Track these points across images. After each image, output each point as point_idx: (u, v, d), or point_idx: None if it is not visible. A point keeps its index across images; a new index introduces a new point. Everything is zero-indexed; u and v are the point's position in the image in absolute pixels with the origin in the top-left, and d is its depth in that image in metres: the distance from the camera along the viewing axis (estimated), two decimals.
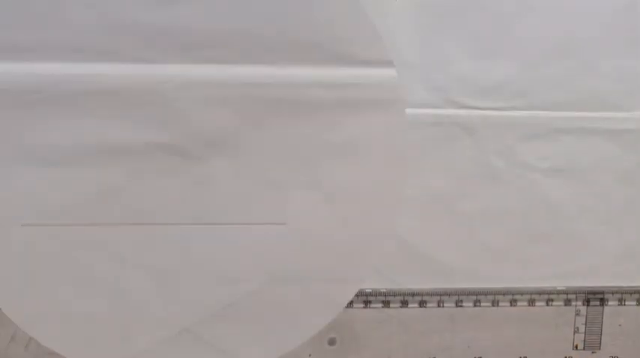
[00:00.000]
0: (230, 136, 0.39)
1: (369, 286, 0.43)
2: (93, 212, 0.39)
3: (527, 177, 0.43)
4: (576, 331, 0.45)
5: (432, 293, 0.44)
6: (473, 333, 0.44)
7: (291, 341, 0.42)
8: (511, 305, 0.44)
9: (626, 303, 0.45)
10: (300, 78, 0.39)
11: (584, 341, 0.45)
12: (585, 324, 0.45)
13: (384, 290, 0.43)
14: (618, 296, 0.45)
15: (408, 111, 0.40)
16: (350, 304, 0.43)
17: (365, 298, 0.43)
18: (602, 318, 0.45)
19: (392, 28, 0.40)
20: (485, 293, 0.44)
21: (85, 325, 0.40)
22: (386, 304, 0.43)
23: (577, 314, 0.45)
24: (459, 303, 0.44)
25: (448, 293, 0.44)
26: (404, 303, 0.44)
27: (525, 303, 0.44)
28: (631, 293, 0.45)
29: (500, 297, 0.44)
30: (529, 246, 0.44)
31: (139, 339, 0.40)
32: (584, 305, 0.45)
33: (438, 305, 0.44)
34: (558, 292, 0.45)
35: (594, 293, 0.45)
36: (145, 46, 0.38)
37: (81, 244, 0.39)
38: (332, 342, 0.43)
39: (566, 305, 0.45)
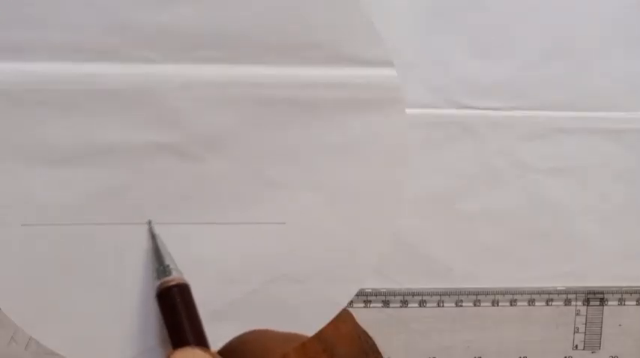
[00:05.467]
0: (230, 136, 0.39)
1: (369, 286, 0.43)
2: (93, 212, 0.39)
3: (527, 177, 0.43)
4: (576, 331, 0.45)
5: (432, 293, 0.44)
6: (473, 333, 0.44)
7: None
8: (511, 305, 0.44)
9: (626, 303, 0.45)
10: (300, 78, 0.39)
11: (584, 341, 0.45)
12: (585, 324, 0.45)
13: (384, 290, 0.43)
14: (618, 296, 0.45)
15: (408, 111, 0.40)
16: (350, 304, 0.43)
17: (365, 298, 0.43)
18: (602, 318, 0.45)
19: (392, 28, 0.40)
20: (486, 293, 0.44)
21: (85, 325, 0.40)
22: (386, 304, 0.43)
23: (577, 314, 0.45)
24: (459, 303, 0.44)
25: (448, 293, 0.44)
26: (404, 303, 0.44)
27: (525, 303, 0.44)
28: (631, 293, 0.45)
29: (500, 297, 0.44)
30: (529, 246, 0.44)
31: (140, 339, 0.40)
32: (584, 305, 0.45)
33: (438, 305, 0.44)
34: (558, 292, 0.45)
35: (594, 293, 0.45)
36: (145, 46, 0.38)
37: (81, 244, 0.39)
38: None
39: (566, 305, 0.45)
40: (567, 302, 0.45)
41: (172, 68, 0.38)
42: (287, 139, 0.40)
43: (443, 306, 0.44)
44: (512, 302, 0.44)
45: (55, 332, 0.40)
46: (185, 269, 0.40)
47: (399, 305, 0.43)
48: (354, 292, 0.43)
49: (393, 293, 0.43)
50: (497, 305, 0.44)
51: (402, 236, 0.42)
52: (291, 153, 0.40)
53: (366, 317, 0.43)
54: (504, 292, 0.44)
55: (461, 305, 0.44)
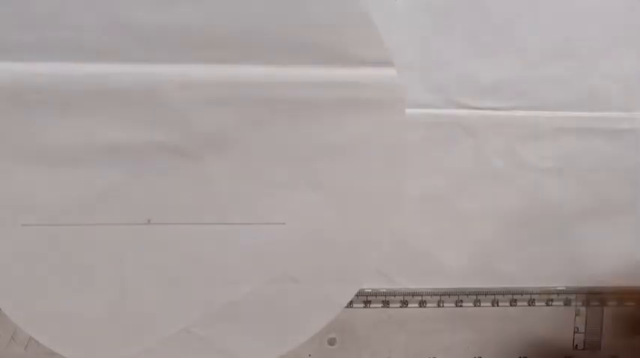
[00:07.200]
0: (230, 136, 0.39)
1: (369, 286, 0.43)
2: (93, 212, 0.39)
3: (527, 177, 0.43)
4: (576, 331, 0.45)
5: (432, 293, 0.44)
6: (473, 333, 0.44)
7: (291, 341, 0.42)
8: (511, 305, 0.44)
9: (626, 303, 0.45)
10: (300, 78, 0.39)
11: (584, 341, 0.45)
12: (585, 324, 0.45)
13: (384, 290, 0.43)
14: (618, 296, 0.45)
15: (408, 111, 0.40)
16: (350, 304, 0.43)
17: (365, 298, 0.43)
18: (602, 318, 0.45)
19: (392, 28, 0.40)
20: (485, 293, 0.44)
21: (85, 325, 0.40)
22: (386, 304, 0.43)
23: (577, 314, 0.45)
24: (458, 303, 0.44)
25: (448, 293, 0.44)
26: (404, 303, 0.44)
27: (525, 303, 0.44)
28: (631, 293, 0.45)
29: (500, 297, 0.44)
30: (529, 246, 0.44)
31: (139, 339, 0.40)
32: (584, 305, 0.45)
33: (438, 305, 0.44)
34: (558, 292, 0.45)
35: (594, 293, 0.45)
36: (145, 46, 0.38)
37: (81, 244, 0.39)
38: (332, 342, 0.43)
39: (566, 305, 0.45)
40: (567, 302, 0.45)
41: (172, 68, 0.38)
42: (287, 139, 0.40)
43: (443, 306, 0.44)
44: (512, 302, 0.44)
45: (55, 332, 0.40)
46: (185, 269, 0.40)
47: (399, 305, 0.43)
48: (354, 292, 0.43)
49: (393, 293, 0.43)
50: (497, 305, 0.44)
51: (402, 236, 0.42)
52: (291, 153, 0.40)
53: (366, 317, 0.43)
54: (504, 292, 0.44)
55: (461, 305, 0.44)
